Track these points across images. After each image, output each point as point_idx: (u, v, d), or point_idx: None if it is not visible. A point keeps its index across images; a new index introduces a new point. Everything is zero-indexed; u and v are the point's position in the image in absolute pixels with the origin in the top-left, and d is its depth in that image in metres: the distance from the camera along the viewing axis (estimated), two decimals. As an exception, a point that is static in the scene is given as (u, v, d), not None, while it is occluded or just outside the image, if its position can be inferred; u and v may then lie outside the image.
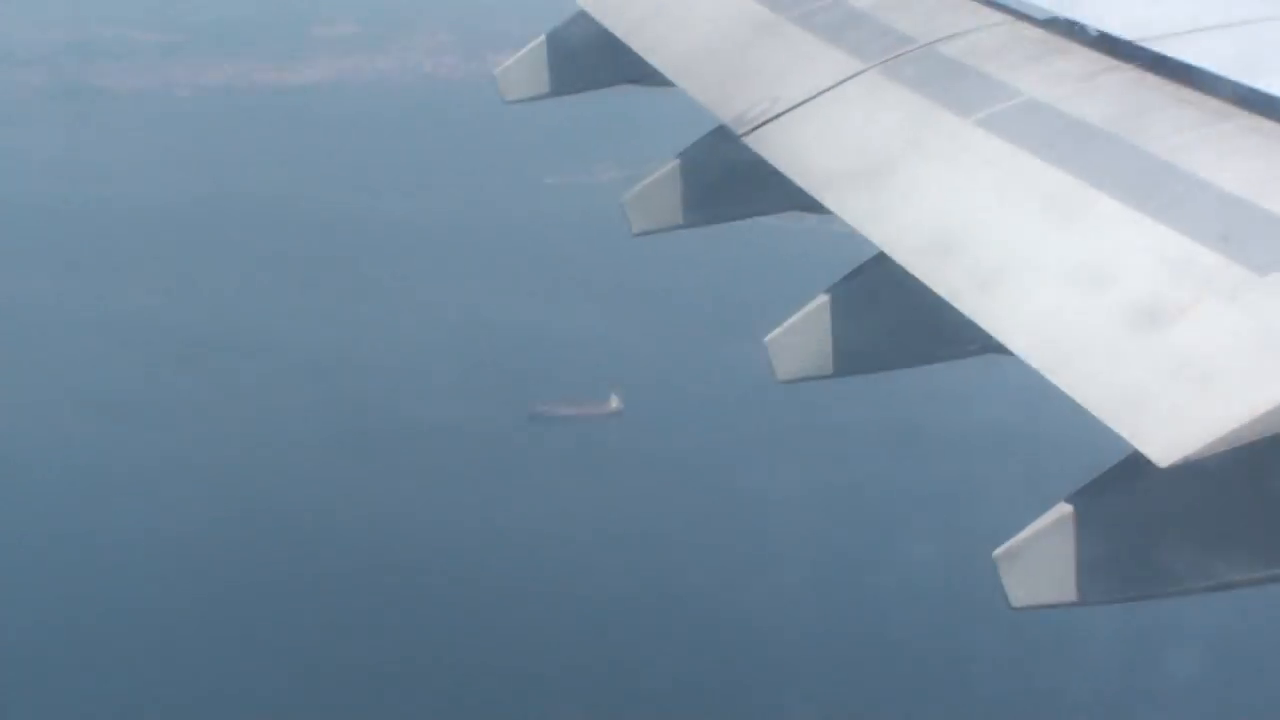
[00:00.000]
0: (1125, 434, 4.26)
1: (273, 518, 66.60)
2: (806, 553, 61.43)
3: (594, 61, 8.63)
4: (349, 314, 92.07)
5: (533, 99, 8.83)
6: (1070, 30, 6.20)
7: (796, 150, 6.21)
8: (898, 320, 5.99)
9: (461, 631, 57.88)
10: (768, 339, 6.12)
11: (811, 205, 6.15)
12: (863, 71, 6.44)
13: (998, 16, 6.52)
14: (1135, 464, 4.38)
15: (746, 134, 6.45)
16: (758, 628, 57.19)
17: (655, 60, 7.59)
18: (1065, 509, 4.68)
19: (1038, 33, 6.28)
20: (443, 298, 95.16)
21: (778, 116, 6.41)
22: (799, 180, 6.03)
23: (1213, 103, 5.42)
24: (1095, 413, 4.36)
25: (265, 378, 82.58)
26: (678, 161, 7.42)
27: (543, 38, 8.75)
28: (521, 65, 8.78)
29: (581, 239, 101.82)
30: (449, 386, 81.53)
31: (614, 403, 79.70)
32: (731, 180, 7.17)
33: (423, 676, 55.62)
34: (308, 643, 57.58)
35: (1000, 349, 4.90)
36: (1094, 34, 6.09)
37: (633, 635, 57.79)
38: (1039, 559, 4.67)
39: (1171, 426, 4.18)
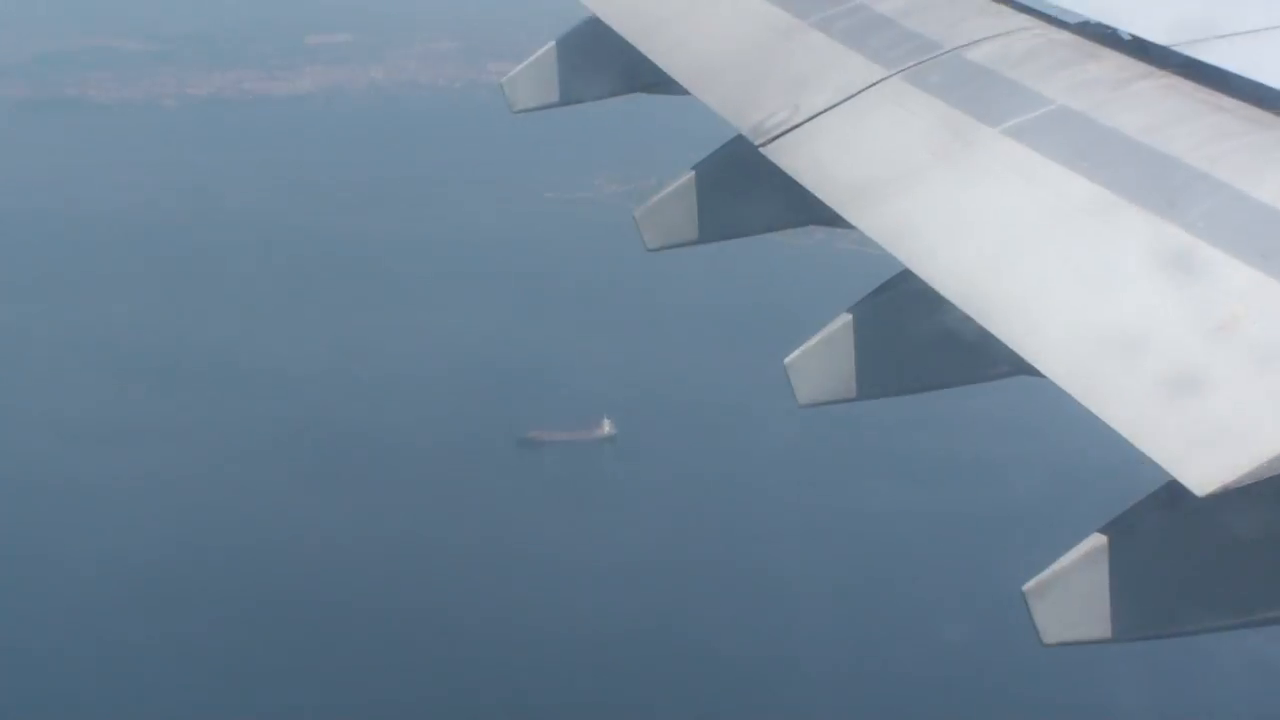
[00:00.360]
0: (1161, 461, 4.23)
1: (255, 547, 66.51)
2: (805, 595, 60.86)
3: (605, 69, 8.61)
4: (337, 335, 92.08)
5: (541, 109, 8.80)
6: (1102, 35, 6.19)
7: (817, 161, 6.20)
8: (924, 341, 5.95)
9: (442, 665, 57.87)
10: (787, 361, 6.07)
11: (832, 219, 6.14)
12: (886, 79, 6.43)
13: (1026, 21, 6.51)
14: (1172, 493, 4.36)
15: (765, 144, 6.44)
16: (748, 665, 57.09)
17: (669, 67, 7.58)
18: (1098, 540, 4.65)
19: (1068, 37, 6.28)
20: (434, 318, 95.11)
21: (797, 126, 6.41)
22: (819, 193, 6.02)
23: (1250, 110, 5.40)
24: (1130, 438, 4.33)
25: (248, 400, 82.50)
26: (693, 174, 7.39)
27: (552, 44, 8.73)
28: (530, 74, 8.75)
29: (581, 256, 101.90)
30: (436, 411, 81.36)
31: (606, 427, 79.69)
32: (749, 194, 7.15)
33: (407, 705, 55.60)
34: (291, 673, 57.56)
35: (1031, 371, 4.88)
36: (1127, 38, 6.08)
37: (619, 668, 57.67)
38: (1071, 593, 4.64)
39: (1210, 453, 4.14)
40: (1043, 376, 4.76)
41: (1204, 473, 4.09)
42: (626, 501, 71.24)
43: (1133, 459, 4.37)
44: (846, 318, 6.10)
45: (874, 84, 6.42)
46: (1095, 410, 4.46)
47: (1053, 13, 6.48)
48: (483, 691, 55.78)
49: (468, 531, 67.97)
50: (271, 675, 57.24)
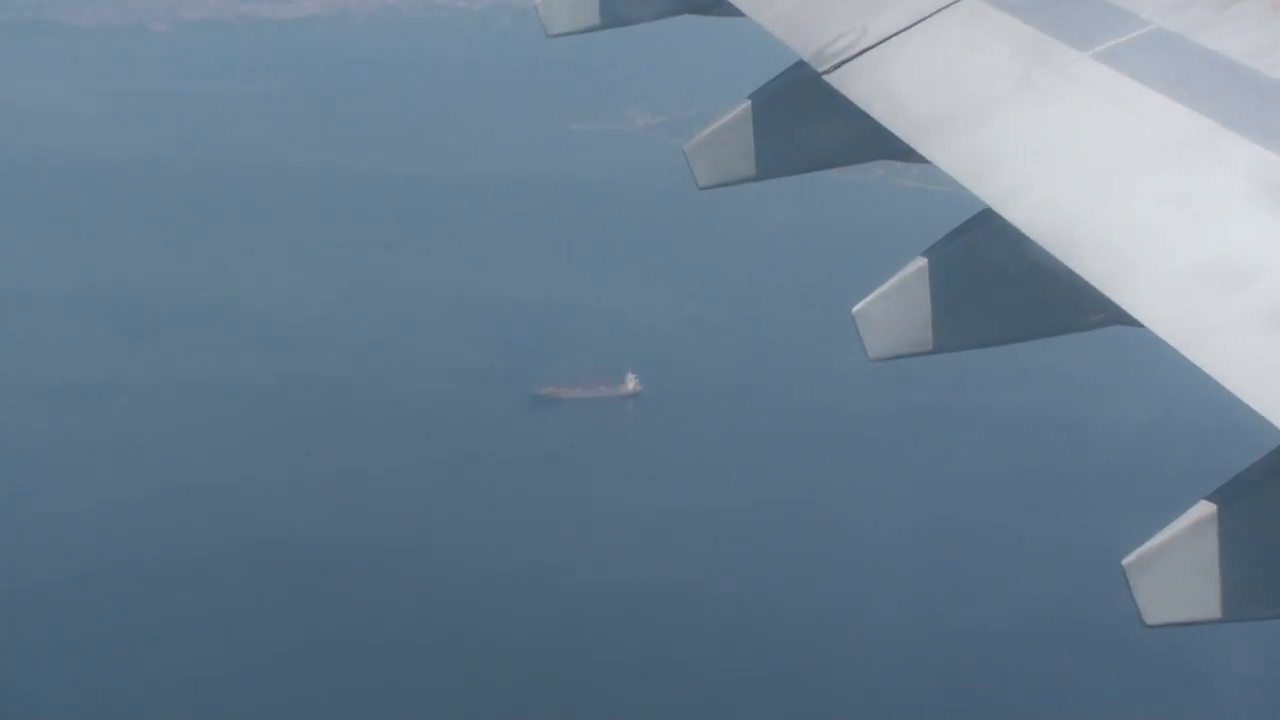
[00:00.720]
0: (1275, 420, 4.19)
1: (263, 503, 67.22)
2: (866, 584, 60.83)
3: None
4: (343, 278, 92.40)
5: (579, 33, 8.71)
6: (1203, -50, 6.13)
7: (887, 90, 6.16)
8: (1009, 287, 5.90)
9: (446, 630, 58.62)
10: (855, 310, 6.02)
11: (903, 153, 6.10)
12: None
13: None
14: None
15: (829, 71, 6.40)
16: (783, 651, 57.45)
17: None
18: (1206, 509, 4.61)
19: (1166, -47, 6.22)
20: (447, 261, 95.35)
21: (865, 51, 6.37)
22: (890, 125, 5.98)
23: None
24: (1239, 395, 4.30)
25: (250, 348, 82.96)
26: (749, 105, 7.32)
27: None
28: None
29: (610, 193, 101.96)
30: (443, 363, 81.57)
31: (631, 383, 79.69)
32: (811, 126, 7.10)
33: (417, 663, 56.34)
34: (304, 630, 58.36)
35: (1128, 321, 4.85)
36: (1230, -45, 6.03)
37: (636, 635, 58.19)
38: (1177, 569, 4.60)
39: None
40: (1140, 326, 4.73)
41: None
42: (641, 470, 70.97)
43: (1243, 418, 4.35)
44: (921, 262, 6.02)
45: (950, 4, 6.38)
46: (1199, 362, 4.42)
47: None
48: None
49: (468, 496, 68.27)
50: (283, 632, 58.18)
